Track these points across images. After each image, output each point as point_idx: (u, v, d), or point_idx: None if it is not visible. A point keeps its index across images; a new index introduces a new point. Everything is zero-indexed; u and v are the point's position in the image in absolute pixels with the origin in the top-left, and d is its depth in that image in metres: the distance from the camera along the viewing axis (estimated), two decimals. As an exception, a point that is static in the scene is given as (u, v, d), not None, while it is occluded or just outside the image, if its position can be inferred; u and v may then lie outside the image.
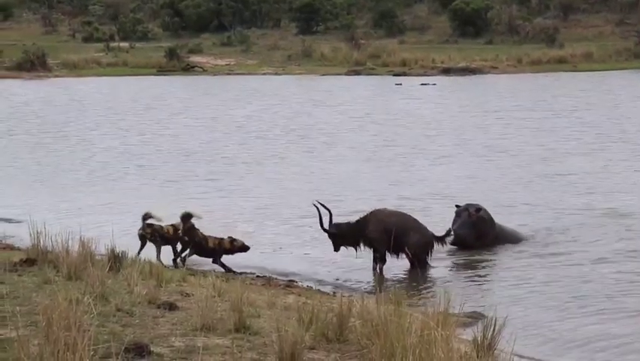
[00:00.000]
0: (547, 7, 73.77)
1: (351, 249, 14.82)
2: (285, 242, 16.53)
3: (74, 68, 60.54)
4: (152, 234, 14.55)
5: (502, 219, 16.73)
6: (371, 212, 14.78)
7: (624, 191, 20.88)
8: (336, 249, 14.82)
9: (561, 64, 59.30)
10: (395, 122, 34.77)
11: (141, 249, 14.39)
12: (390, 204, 16.89)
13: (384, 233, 14.25)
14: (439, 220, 16.33)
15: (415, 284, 13.87)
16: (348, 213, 15.96)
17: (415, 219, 14.93)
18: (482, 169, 24.24)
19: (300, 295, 11.99)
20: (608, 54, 61.24)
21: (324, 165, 25.33)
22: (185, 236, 14.46)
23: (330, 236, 14.72)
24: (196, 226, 14.50)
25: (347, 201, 19.23)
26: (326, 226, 14.60)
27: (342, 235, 14.66)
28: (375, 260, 14.56)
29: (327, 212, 14.60)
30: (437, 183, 22.15)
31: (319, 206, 14.53)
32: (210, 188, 22.13)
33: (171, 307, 9.53)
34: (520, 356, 9.54)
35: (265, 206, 19.70)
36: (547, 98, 42.30)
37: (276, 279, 13.91)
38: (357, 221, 14.73)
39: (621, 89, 45.88)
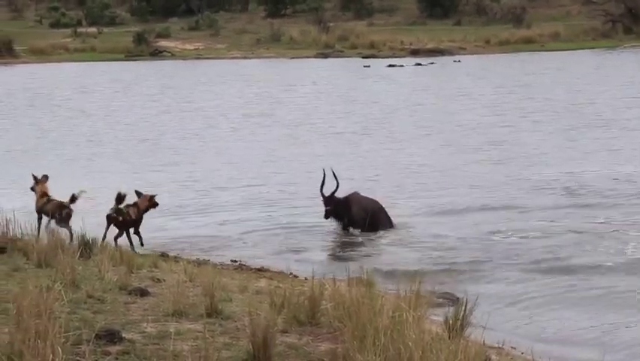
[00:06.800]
0: (515, -12, 73.71)
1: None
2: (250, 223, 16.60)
3: (41, 54, 59.91)
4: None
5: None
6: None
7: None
8: (326, 217, 15.92)
9: (529, 44, 59.42)
10: (362, 104, 34.95)
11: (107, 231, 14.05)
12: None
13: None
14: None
15: (387, 266, 13.86)
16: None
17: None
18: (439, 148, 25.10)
19: (271, 279, 11.99)
20: (575, 34, 61.43)
21: (278, 146, 25.89)
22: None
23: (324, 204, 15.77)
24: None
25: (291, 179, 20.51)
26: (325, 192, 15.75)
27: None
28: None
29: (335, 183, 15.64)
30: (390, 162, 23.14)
31: (331, 175, 15.55)
32: (172, 169, 22.73)
33: (143, 293, 9.51)
34: (493, 332, 9.55)
35: (223, 187, 20.21)
36: (511, 77, 42.77)
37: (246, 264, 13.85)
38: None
39: (578, 68, 46.35)
